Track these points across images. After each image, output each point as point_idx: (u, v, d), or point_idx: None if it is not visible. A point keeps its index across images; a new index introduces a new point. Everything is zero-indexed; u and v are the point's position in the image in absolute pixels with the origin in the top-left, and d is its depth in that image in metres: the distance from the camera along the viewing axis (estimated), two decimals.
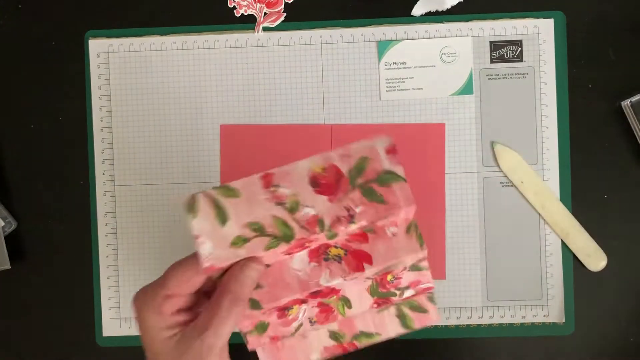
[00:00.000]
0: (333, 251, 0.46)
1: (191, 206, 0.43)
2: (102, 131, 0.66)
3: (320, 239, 0.44)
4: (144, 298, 0.45)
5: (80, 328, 0.67)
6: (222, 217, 0.43)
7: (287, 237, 0.43)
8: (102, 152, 0.66)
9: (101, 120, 0.66)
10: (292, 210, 0.44)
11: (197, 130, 0.66)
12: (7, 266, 0.65)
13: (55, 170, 0.67)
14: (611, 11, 0.65)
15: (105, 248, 0.66)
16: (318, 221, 0.44)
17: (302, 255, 0.45)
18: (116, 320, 0.66)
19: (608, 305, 0.65)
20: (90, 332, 0.67)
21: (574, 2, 0.65)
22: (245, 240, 0.43)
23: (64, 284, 0.67)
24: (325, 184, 0.45)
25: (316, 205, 0.44)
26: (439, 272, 0.65)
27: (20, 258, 0.66)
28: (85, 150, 0.67)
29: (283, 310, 0.47)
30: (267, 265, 0.45)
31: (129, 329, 0.66)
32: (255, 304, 0.44)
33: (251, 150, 0.66)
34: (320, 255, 0.46)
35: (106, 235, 0.66)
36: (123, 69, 0.66)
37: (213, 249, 0.43)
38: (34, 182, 0.67)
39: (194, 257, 0.44)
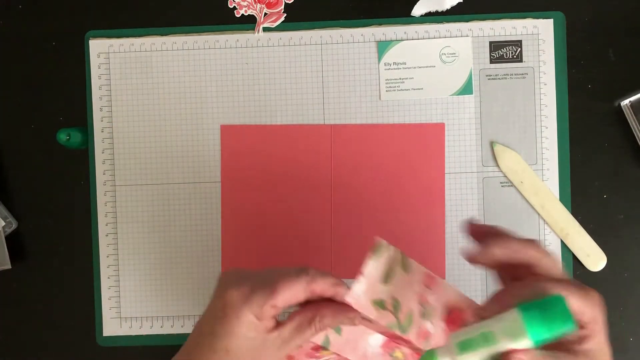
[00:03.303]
0: (397, 353, 0.51)
1: (378, 250, 0.48)
2: (102, 131, 0.66)
3: (410, 345, 0.49)
4: (250, 298, 0.46)
5: (80, 328, 0.67)
6: (386, 278, 0.48)
7: (403, 330, 0.48)
8: (102, 152, 0.66)
9: (101, 120, 0.66)
10: (423, 316, 0.48)
11: (197, 130, 0.66)
12: (8, 266, 0.65)
13: (55, 170, 0.67)
14: (611, 11, 0.65)
15: (106, 248, 0.66)
16: (426, 338, 0.48)
17: (379, 337, 0.50)
18: (116, 320, 0.66)
19: (608, 305, 0.65)
20: (90, 332, 0.67)
21: (574, 2, 0.65)
22: (383, 307, 0.48)
23: (64, 284, 0.67)
24: (452, 319, 0.48)
25: (435, 327, 0.48)
26: (439, 272, 0.65)
27: (21, 258, 0.66)
28: (86, 150, 0.67)
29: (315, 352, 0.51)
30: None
31: (129, 329, 0.66)
32: (327, 342, 0.50)
33: (251, 150, 0.66)
34: (390, 348, 0.51)
35: (106, 235, 0.66)
36: (123, 69, 0.66)
37: (362, 293, 0.47)
38: (34, 182, 0.67)
39: (305, 276, 0.47)
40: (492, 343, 0.41)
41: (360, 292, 0.47)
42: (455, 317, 0.49)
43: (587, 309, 0.41)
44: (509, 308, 0.41)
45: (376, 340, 0.49)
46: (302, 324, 0.47)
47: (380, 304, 0.48)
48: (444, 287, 0.48)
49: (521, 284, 0.43)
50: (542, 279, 0.43)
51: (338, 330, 0.49)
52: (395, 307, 0.48)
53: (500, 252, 0.45)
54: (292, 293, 0.46)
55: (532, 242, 0.45)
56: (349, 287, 0.48)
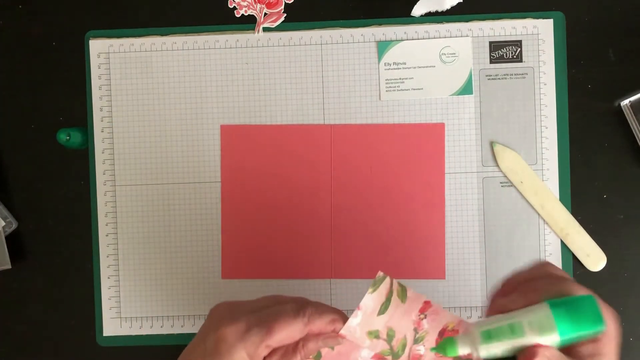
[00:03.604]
0: None
1: (377, 284, 0.48)
2: (102, 131, 0.66)
3: None
4: (245, 336, 0.45)
5: (80, 328, 0.67)
6: (383, 309, 0.48)
7: (396, 356, 0.49)
8: (103, 152, 0.66)
9: (101, 120, 0.67)
10: (417, 341, 0.49)
11: (197, 130, 0.66)
12: (8, 266, 0.65)
13: (55, 170, 0.67)
14: (611, 11, 0.65)
15: (106, 248, 0.66)
16: None
17: (370, 352, 0.50)
18: (116, 320, 0.66)
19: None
20: (90, 332, 0.67)
21: (574, 2, 0.65)
22: (377, 336, 0.49)
23: (64, 284, 0.67)
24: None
25: (427, 349, 0.49)
26: (438, 272, 0.65)
27: (21, 258, 0.66)
28: (86, 150, 0.67)
29: None
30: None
31: (129, 329, 0.66)
32: (318, 356, 0.49)
33: (251, 150, 0.66)
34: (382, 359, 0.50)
35: (106, 235, 0.66)
36: (123, 69, 0.66)
37: (358, 325, 0.48)
38: (34, 182, 0.67)
39: (302, 317, 0.46)
40: (518, 335, 0.41)
41: (355, 324, 0.48)
42: (445, 336, 0.49)
43: (608, 323, 0.41)
44: (536, 303, 0.41)
45: (368, 352, 0.50)
46: (287, 353, 0.46)
47: (374, 334, 0.49)
48: (438, 312, 0.49)
49: (546, 281, 0.43)
50: (568, 281, 0.42)
51: (331, 346, 0.49)
52: (389, 335, 0.49)
53: (534, 294, 0.43)
54: (288, 334, 0.46)
55: (544, 262, 0.46)
56: (347, 317, 0.48)
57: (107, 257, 0.66)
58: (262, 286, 0.65)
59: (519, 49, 0.65)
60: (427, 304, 0.49)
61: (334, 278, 0.66)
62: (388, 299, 0.49)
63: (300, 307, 0.47)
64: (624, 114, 0.65)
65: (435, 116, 0.66)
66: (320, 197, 0.65)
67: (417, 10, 0.65)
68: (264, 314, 0.46)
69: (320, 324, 0.47)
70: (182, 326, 0.66)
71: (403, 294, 0.49)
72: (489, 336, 0.41)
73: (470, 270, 0.65)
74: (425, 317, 0.49)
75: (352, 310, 0.65)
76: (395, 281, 0.49)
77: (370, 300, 0.48)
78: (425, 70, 0.65)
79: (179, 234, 0.66)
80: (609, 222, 0.65)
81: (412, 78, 0.65)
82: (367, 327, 0.48)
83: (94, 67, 0.67)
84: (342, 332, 0.48)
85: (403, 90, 0.66)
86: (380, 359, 0.50)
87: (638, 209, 0.65)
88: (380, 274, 0.48)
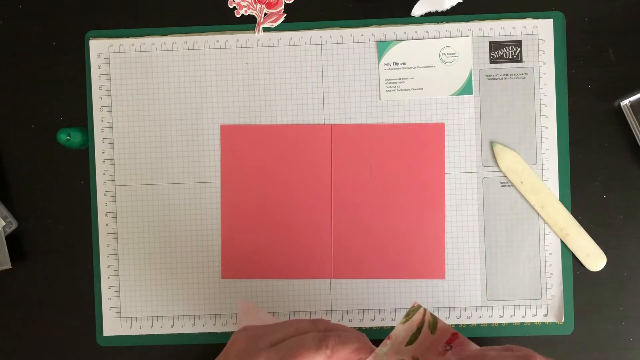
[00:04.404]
0: None
1: (410, 314, 0.49)
2: (102, 131, 0.66)
3: None
4: None
5: (80, 328, 0.67)
6: (412, 339, 0.49)
7: None
8: (103, 152, 0.66)
9: (101, 120, 0.67)
10: None
11: (197, 130, 0.66)
12: (8, 266, 0.65)
13: (55, 170, 0.67)
14: (611, 11, 0.65)
15: (106, 248, 0.66)
16: None
17: None
18: (116, 320, 0.66)
19: (608, 305, 0.65)
20: (90, 332, 0.67)
21: (574, 2, 0.65)
22: None
23: (64, 284, 0.67)
24: None
25: None
26: (438, 272, 0.65)
27: (21, 258, 0.66)
28: (86, 150, 0.67)
29: None
30: None
31: (129, 329, 0.66)
32: None
33: (251, 150, 0.66)
34: None
35: (106, 235, 0.66)
36: (123, 69, 0.66)
37: (385, 354, 0.48)
38: (34, 182, 0.67)
39: (325, 349, 0.45)
40: None
41: (382, 353, 0.48)
42: None
43: None
44: None
45: None
46: None
47: None
48: (463, 343, 0.49)
49: None
50: None
51: None
52: None
53: None
54: None
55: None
56: (369, 340, 0.47)
57: (107, 257, 0.66)
58: (262, 286, 0.66)
59: (519, 49, 0.65)
60: (454, 335, 0.49)
61: (334, 278, 0.66)
62: (419, 330, 0.49)
63: (322, 338, 0.45)
64: (624, 114, 0.65)
65: (435, 116, 0.66)
66: (320, 197, 0.65)
67: (417, 10, 0.65)
68: (283, 349, 0.45)
69: (344, 354, 0.45)
70: (182, 326, 0.66)
71: (434, 325, 0.49)
72: None
73: (470, 270, 0.65)
74: (450, 349, 0.50)
75: (352, 311, 0.65)
76: (427, 312, 0.49)
77: (402, 330, 0.49)
78: (425, 70, 0.65)
79: (179, 234, 0.66)
80: (609, 222, 0.65)
81: (412, 78, 0.66)
82: (393, 356, 0.48)
83: (94, 67, 0.67)
84: (368, 357, 0.47)
85: (403, 90, 0.66)
86: None
87: (638, 209, 0.65)
88: (415, 304, 0.49)
